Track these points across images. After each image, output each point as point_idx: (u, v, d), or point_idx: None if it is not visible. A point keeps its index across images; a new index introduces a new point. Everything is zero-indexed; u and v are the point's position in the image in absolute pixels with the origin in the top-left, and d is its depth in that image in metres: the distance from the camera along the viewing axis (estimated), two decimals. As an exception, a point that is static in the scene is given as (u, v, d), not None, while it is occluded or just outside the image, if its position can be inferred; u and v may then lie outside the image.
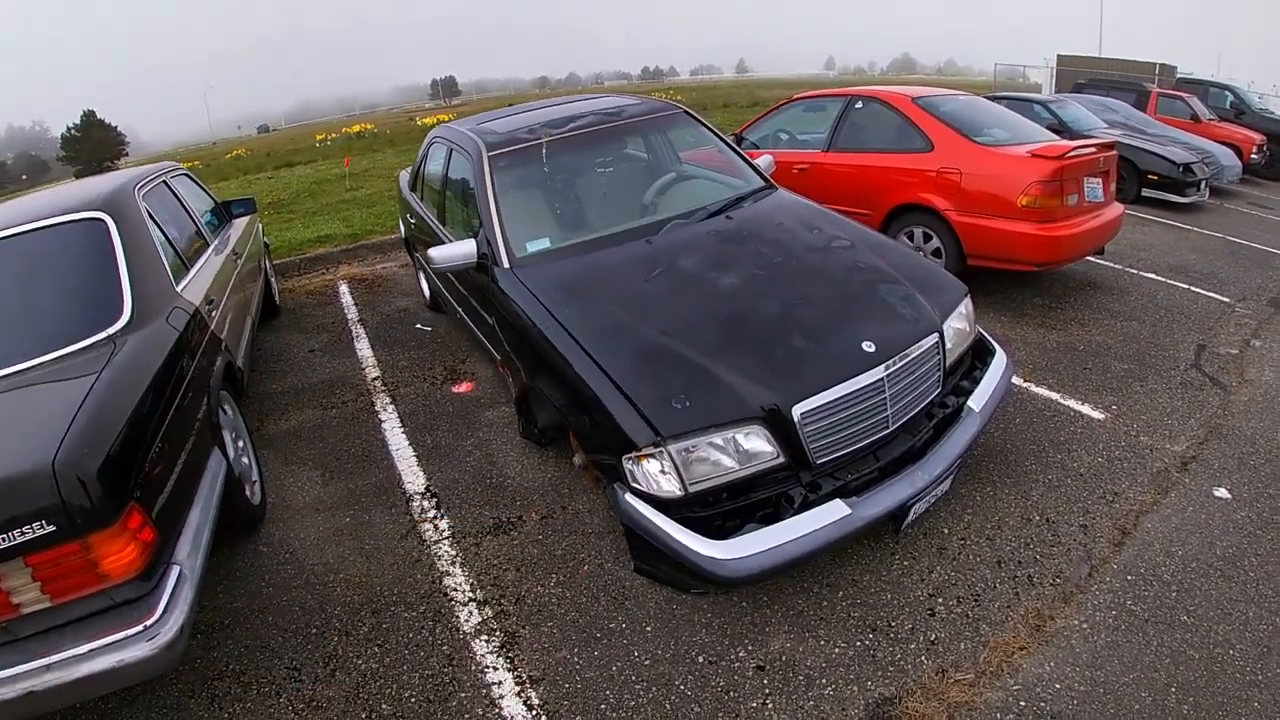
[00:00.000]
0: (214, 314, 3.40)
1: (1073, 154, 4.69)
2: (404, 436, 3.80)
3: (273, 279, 6.08)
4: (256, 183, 14.63)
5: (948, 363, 2.75)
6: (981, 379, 2.86)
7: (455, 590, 2.70)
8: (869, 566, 2.66)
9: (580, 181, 3.77)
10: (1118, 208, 5.31)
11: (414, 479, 3.43)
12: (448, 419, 3.95)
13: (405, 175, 5.79)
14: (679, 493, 2.25)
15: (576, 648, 2.40)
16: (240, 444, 3.22)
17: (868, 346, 2.47)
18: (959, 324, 2.86)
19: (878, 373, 2.43)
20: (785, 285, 2.81)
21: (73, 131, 70.57)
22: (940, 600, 2.50)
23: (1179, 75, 16.35)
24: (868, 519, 2.27)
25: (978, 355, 3.08)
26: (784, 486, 2.36)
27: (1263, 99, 13.91)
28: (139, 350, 2.53)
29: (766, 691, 2.20)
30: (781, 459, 2.33)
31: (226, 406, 3.17)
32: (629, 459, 2.31)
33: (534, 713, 2.18)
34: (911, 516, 2.45)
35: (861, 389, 2.40)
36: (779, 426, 2.31)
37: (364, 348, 5.04)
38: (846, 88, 6.32)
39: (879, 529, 2.55)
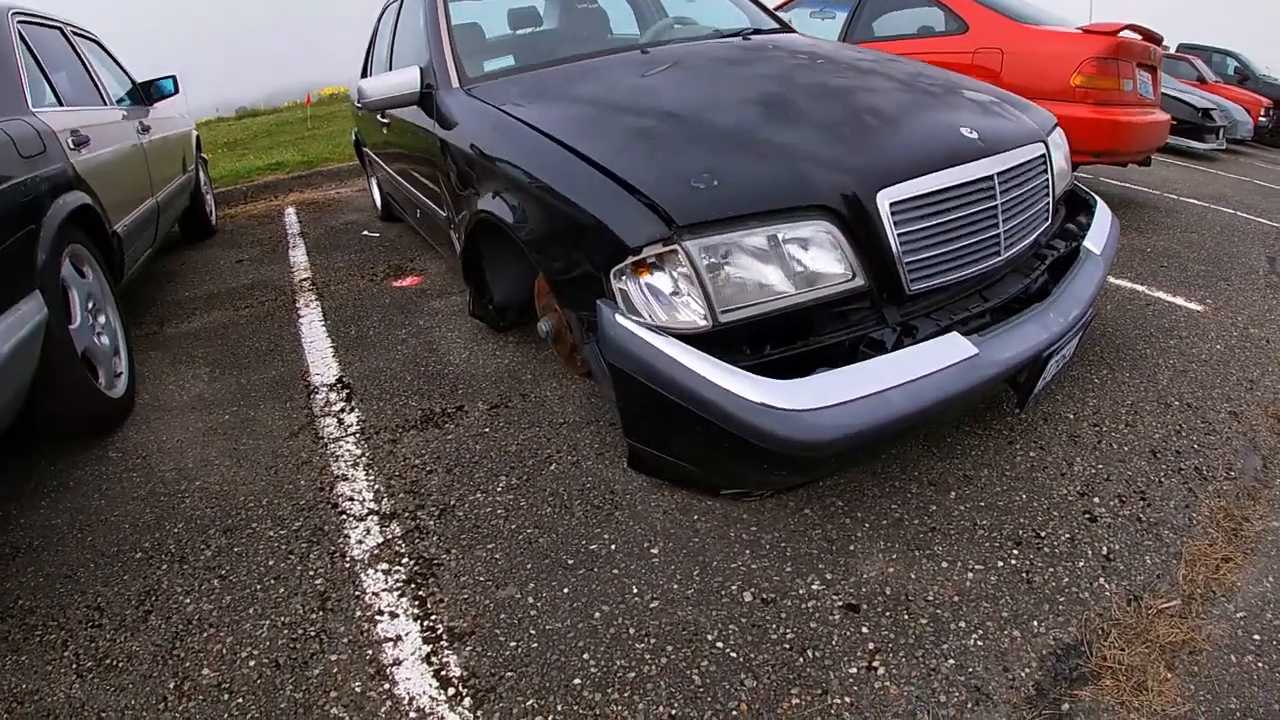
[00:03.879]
0: (83, 152, 2.62)
1: (1125, 33, 4.02)
2: (323, 328, 3.03)
3: (208, 196, 5.27)
4: (216, 127, 13.46)
5: (1055, 194, 2.03)
6: (1090, 225, 2.14)
7: (351, 499, 1.91)
8: (983, 459, 1.91)
9: (562, 17, 3.00)
10: (1164, 113, 4.65)
11: (325, 370, 2.65)
12: (381, 310, 3.18)
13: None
14: (703, 323, 1.46)
15: (532, 582, 1.58)
16: (102, 320, 2.44)
17: (968, 132, 1.73)
18: (1059, 152, 2.14)
19: (987, 166, 1.68)
20: (840, 80, 2.06)
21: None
22: (1097, 500, 1.75)
23: (1182, 42, 15.88)
24: (1002, 364, 1.49)
25: (1072, 209, 2.36)
26: (863, 327, 1.56)
27: (1268, 70, 13.41)
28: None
29: (871, 647, 1.38)
30: (859, 280, 1.54)
31: (87, 268, 2.40)
32: (621, 271, 1.52)
33: (451, 692, 1.34)
34: (1041, 384, 1.68)
35: (969, 183, 1.64)
36: (855, 227, 1.53)
37: (299, 255, 4.24)
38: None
39: (995, 401, 1.87)
